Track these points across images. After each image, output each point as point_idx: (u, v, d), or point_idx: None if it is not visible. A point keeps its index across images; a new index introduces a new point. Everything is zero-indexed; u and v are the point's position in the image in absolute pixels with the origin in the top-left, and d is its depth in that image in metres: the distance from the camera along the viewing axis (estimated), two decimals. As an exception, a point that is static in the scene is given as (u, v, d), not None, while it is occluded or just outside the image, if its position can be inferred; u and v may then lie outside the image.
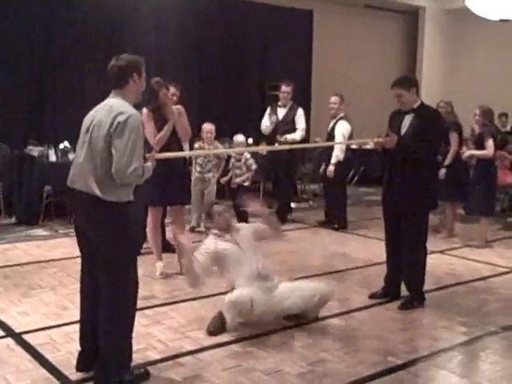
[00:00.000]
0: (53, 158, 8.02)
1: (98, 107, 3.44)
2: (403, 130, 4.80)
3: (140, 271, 5.50)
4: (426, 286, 5.01)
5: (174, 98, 6.16)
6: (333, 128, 7.82)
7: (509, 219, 8.67)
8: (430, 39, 13.90)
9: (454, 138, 7.22)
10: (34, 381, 3.49)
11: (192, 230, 7.34)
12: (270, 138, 8.11)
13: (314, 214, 8.82)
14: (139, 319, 4.39)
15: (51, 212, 7.96)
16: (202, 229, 7.47)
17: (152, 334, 4.21)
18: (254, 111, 10.43)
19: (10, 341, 4.05)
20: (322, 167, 8.08)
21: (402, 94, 4.75)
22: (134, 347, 3.88)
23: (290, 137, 7.96)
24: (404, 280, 4.95)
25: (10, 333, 4.18)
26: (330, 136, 7.87)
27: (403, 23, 14.30)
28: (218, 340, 4.12)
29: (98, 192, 3.25)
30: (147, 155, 3.51)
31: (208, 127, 7.57)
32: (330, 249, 6.91)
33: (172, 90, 6.08)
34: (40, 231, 7.45)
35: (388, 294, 5.04)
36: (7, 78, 8.84)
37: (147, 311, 4.65)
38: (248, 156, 7.80)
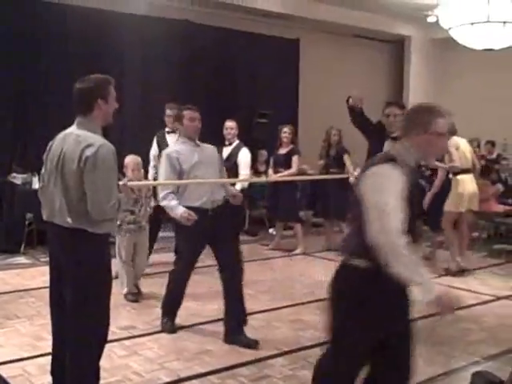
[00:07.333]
0: (36, 185, 7.95)
1: (65, 134, 3.25)
2: None
3: (124, 300, 5.54)
4: (408, 315, 4.94)
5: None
6: (231, 155, 7.10)
7: (494, 246, 8.64)
8: (415, 68, 14.01)
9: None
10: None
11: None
12: None
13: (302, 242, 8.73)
14: (116, 350, 4.34)
15: (33, 240, 7.85)
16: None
17: (128, 366, 4.12)
18: (244, 140, 10.43)
19: (-19, 373, 3.97)
20: None
21: (399, 115, 4.70)
22: (109, 379, 3.83)
23: None
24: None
25: (-18, 365, 4.09)
26: (225, 162, 6.91)
27: (390, 53, 14.42)
28: (194, 371, 4.04)
29: (80, 225, 3.09)
30: (120, 184, 3.35)
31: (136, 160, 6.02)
32: (316, 277, 6.81)
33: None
34: (21, 259, 7.35)
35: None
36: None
37: (126, 342, 4.56)
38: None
